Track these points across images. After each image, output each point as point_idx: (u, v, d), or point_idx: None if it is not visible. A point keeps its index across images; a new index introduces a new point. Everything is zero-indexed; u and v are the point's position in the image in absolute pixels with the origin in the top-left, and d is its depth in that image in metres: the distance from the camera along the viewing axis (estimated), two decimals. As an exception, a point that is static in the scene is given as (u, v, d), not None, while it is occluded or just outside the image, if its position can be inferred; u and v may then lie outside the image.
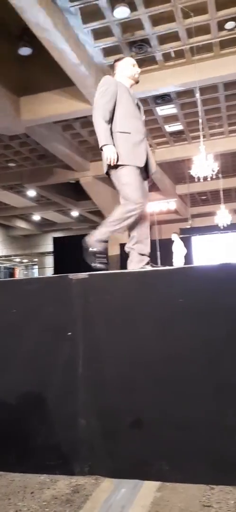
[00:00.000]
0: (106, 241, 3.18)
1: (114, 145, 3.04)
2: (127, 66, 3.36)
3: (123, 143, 3.07)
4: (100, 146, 3.06)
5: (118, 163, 3.05)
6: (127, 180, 3.08)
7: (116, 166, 3.07)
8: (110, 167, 3.08)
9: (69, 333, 2.58)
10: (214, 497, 2.07)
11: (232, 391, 2.26)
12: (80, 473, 2.47)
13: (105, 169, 3.20)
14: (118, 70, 3.38)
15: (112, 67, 3.54)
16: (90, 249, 3.11)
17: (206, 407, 2.29)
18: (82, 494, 2.24)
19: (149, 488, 2.22)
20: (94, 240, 3.13)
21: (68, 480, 2.41)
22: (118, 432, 2.45)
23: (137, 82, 3.40)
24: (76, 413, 2.53)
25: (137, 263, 3.16)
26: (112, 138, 3.07)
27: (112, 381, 2.50)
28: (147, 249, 3.24)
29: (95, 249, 3.11)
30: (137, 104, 3.31)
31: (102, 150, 3.07)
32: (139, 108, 3.31)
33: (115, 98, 3.10)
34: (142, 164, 3.18)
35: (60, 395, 2.58)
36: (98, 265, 3.11)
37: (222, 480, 2.17)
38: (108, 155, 3.00)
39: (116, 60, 3.49)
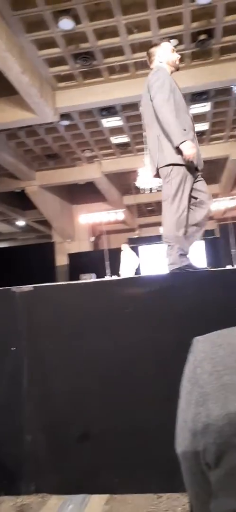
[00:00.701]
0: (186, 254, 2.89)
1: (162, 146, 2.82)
2: (166, 52, 3.09)
3: None
4: (177, 144, 2.77)
5: (175, 162, 2.83)
6: (181, 180, 2.84)
7: (171, 164, 2.85)
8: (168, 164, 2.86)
9: (13, 348, 2.51)
10: (162, 506, 2.10)
11: (178, 399, 2.31)
12: (26, 492, 2.39)
13: (154, 172, 3.01)
14: (156, 57, 3.09)
15: (147, 54, 3.19)
16: (178, 267, 2.82)
17: (152, 416, 2.33)
18: (28, 514, 2.18)
19: (97, 502, 2.20)
20: (177, 258, 2.84)
21: (13, 501, 2.32)
22: (65, 447, 2.41)
23: (178, 69, 3.15)
24: (21, 429, 2.45)
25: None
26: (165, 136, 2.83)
27: (58, 394, 2.46)
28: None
29: (183, 265, 2.82)
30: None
31: (177, 147, 2.79)
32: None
33: (172, 92, 2.86)
34: (200, 166, 2.98)
35: (3, 412, 2.49)
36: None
37: (169, 488, 2.20)
38: (189, 151, 2.74)
39: (152, 46, 3.20)
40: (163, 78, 2.89)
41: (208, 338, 0.61)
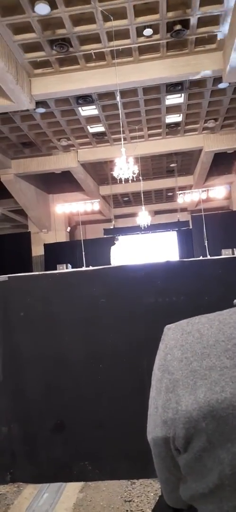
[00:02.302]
0: None
1: None
2: None
3: None
4: None
5: None
6: None
7: None
8: None
9: (-13, 339, 2.48)
10: (135, 492, 2.14)
11: (149, 387, 2.34)
12: (1, 482, 2.39)
13: None
14: None
15: None
16: None
17: (125, 405, 2.35)
18: (3, 503, 2.17)
19: (72, 490, 2.22)
20: None
21: (-12, 492, 2.31)
22: (40, 437, 2.41)
23: None
24: (-4, 421, 2.43)
25: None
26: None
27: (33, 385, 2.46)
28: None
29: None
30: None
31: None
32: None
33: None
34: None
35: (-22, 405, 2.46)
36: None
37: (142, 474, 2.25)
38: None
39: None
40: None
41: (179, 325, 0.63)
